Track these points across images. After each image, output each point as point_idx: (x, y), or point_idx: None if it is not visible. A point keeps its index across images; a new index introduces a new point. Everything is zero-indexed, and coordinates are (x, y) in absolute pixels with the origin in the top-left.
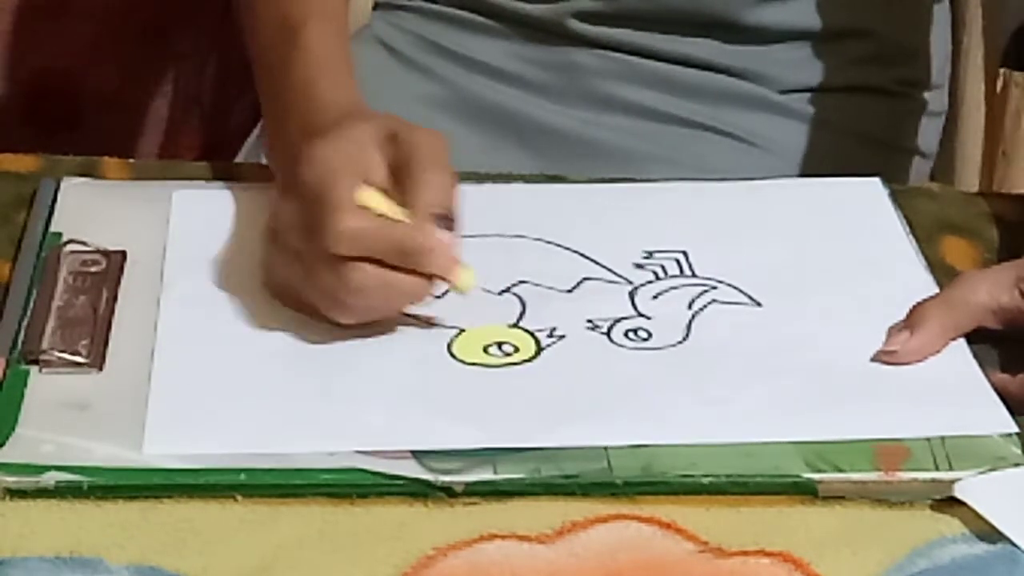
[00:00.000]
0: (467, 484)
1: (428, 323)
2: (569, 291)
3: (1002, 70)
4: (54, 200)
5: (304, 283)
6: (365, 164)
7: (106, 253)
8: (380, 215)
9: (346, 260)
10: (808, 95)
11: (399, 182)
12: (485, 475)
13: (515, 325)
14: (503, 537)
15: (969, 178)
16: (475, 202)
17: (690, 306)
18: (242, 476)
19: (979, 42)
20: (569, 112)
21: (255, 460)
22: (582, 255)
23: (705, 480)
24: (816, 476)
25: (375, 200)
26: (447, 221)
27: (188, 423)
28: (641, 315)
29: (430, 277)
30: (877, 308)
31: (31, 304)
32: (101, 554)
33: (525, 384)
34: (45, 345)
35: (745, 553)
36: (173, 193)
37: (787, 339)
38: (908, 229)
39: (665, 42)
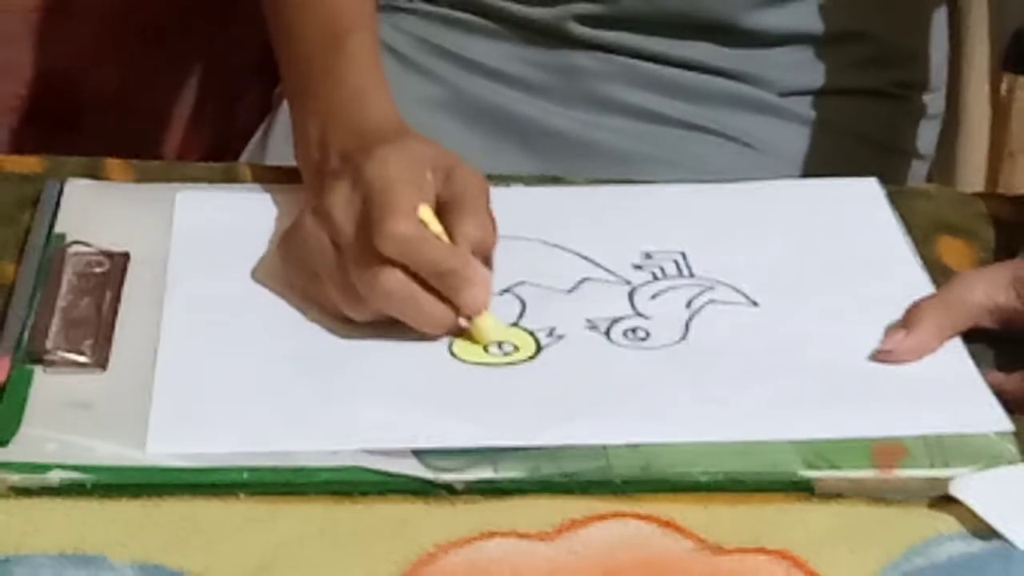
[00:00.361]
0: (468, 482)
1: None
2: (568, 291)
3: (1005, 74)
4: (58, 201)
5: (331, 267)
6: (424, 183)
7: (110, 254)
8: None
9: (386, 262)
10: (807, 98)
11: (441, 215)
12: (485, 473)
13: (515, 324)
14: (503, 535)
15: (971, 181)
16: None
17: (688, 306)
18: (244, 475)
19: (982, 45)
20: (569, 114)
21: (257, 459)
22: (581, 256)
23: (703, 478)
24: (813, 474)
25: (432, 221)
26: (484, 262)
27: (191, 422)
28: (640, 315)
29: (456, 311)
30: (874, 308)
31: (35, 304)
32: (104, 551)
33: (525, 383)
34: (49, 345)
35: (743, 551)
36: (176, 194)
37: (785, 339)
38: (905, 229)
39: (664, 45)
